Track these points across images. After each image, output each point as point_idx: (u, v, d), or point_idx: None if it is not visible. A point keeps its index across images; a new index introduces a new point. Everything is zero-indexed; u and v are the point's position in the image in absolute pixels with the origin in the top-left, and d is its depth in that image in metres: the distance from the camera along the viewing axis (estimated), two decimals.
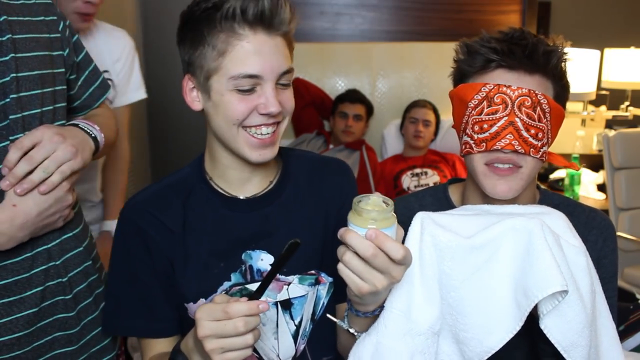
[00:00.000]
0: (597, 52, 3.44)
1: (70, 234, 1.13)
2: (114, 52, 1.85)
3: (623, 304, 1.76)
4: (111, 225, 1.88)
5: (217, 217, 1.06)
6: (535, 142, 1.02)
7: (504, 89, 1.02)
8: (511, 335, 0.92)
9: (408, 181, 2.99)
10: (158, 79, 3.62)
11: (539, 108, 1.02)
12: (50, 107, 1.09)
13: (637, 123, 3.79)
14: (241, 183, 1.07)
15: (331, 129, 3.18)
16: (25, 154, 0.98)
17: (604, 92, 3.77)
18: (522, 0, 3.52)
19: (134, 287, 1.06)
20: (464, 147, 1.08)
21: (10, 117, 1.01)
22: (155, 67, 3.58)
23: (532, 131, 1.02)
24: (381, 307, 0.95)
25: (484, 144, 1.03)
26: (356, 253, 0.83)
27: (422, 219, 0.98)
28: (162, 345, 1.07)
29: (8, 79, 1.00)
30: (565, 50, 1.06)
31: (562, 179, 3.28)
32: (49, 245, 1.08)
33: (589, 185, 3.29)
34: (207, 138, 1.07)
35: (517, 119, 1.01)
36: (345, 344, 1.08)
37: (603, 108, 3.75)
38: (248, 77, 0.95)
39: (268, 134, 0.99)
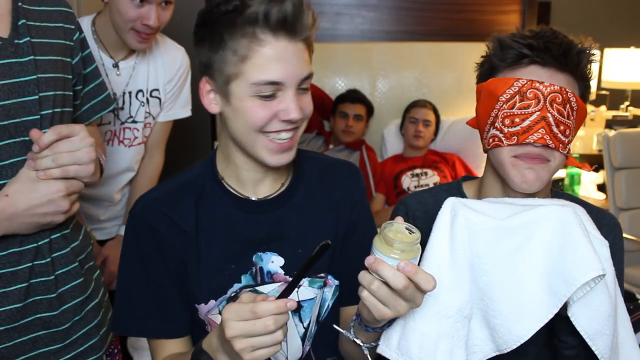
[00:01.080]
0: (597, 52, 3.44)
1: (59, 234, 1.13)
2: (168, 72, 1.84)
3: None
4: None
5: (229, 218, 1.05)
6: (563, 139, 1.04)
7: (537, 84, 1.03)
8: (541, 325, 0.92)
9: (408, 181, 2.99)
10: None
11: (568, 105, 1.04)
12: (59, 110, 1.10)
13: (637, 123, 3.79)
14: (254, 184, 1.07)
15: (331, 128, 3.17)
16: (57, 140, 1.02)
17: (604, 92, 3.78)
18: (522, 0, 3.52)
19: (146, 286, 1.05)
20: (491, 140, 1.08)
21: (28, 117, 1.04)
22: None
23: (562, 127, 1.04)
24: (389, 323, 0.95)
25: (515, 137, 1.04)
26: (384, 282, 0.83)
27: (453, 203, 1.00)
28: (173, 346, 1.06)
29: (26, 79, 1.03)
30: (594, 52, 1.08)
31: (562, 179, 3.28)
32: (39, 243, 1.08)
33: (589, 185, 3.29)
34: (219, 138, 1.07)
35: (549, 115, 1.03)
36: (349, 350, 1.08)
37: (603, 108, 3.75)
38: (269, 83, 0.94)
39: (287, 139, 0.99)
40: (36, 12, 1.09)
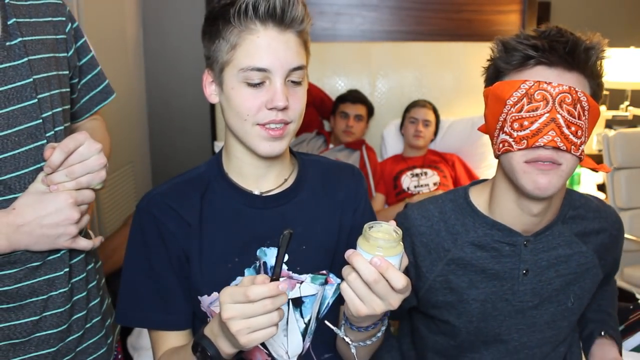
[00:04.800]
0: (606, 48, 3.43)
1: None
2: None
3: (623, 304, 1.76)
4: None
5: (234, 212, 1.07)
6: (575, 140, 1.01)
7: (545, 85, 1.00)
8: None
9: (408, 181, 2.99)
10: (158, 80, 3.62)
11: (579, 105, 1.01)
12: (59, 109, 1.08)
13: (637, 123, 3.79)
14: (256, 178, 1.09)
15: (332, 128, 3.17)
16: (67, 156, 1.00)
17: (603, 92, 3.77)
18: (522, 0, 3.52)
19: (150, 278, 1.07)
20: (501, 145, 1.06)
21: (31, 123, 1.02)
22: (155, 68, 3.58)
23: (573, 128, 1.00)
24: (375, 323, 0.97)
25: (525, 141, 1.01)
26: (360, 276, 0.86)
27: None
28: (174, 338, 1.08)
29: (22, 83, 1.00)
30: (604, 47, 1.05)
31: None
32: (61, 253, 1.07)
33: (589, 185, 3.29)
34: (225, 135, 1.10)
35: (558, 116, 0.99)
36: (343, 349, 1.10)
37: (603, 108, 3.75)
38: (257, 70, 0.97)
39: (277, 128, 1.01)
40: (24, 8, 1.05)
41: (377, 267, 0.85)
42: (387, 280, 0.86)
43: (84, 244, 1.06)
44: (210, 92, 1.06)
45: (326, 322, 1.02)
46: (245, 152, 1.06)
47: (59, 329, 1.09)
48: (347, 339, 1.00)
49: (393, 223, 0.91)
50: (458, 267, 1.16)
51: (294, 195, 1.10)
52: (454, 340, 1.21)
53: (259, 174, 1.09)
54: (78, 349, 1.13)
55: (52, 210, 1.00)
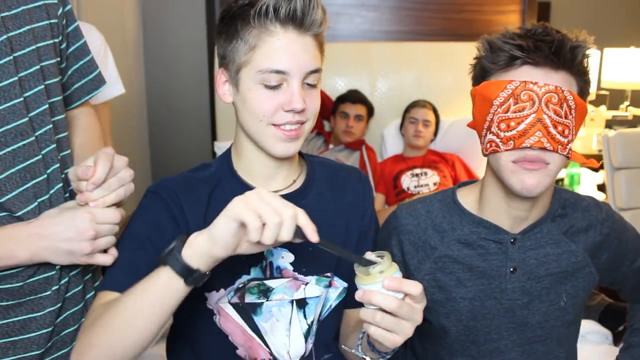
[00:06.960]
0: (597, 52, 3.44)
1: None
2: None
3: (623, 303, 1.76)
4: None
5: None
6: (562, 139, 1.01)
7: (531, 85, 1.00)
8: None
9: (408, 181, 2.99)
10: (158, 80, 3.62)
11: (565, 105, 1.01)
12: (46, 106, 1.06)
13: (637, 123, 3.80)
14: (265, 178, 1.09)
15: (332, 128, 3.18)
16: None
17: (603, 92, 3.78)
18: (522, 0, 3.52)
19: (142, 250, 1.02)
20: (488, 145, 1.06)
21: (20, 121, 1.00)
22: (155, 68, 3.58)
23: (560, 128, 1.01)
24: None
25: (512, 142, 1.02)
26: (383, 310, 0.86)
27: None
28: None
29: (8, 81, 0.99)
30: (590, 45, 1.05)
31: (561, 179, 3.29)
32: None
33: (589, 185, 3.29)
34: (235, 133, 1.09)
35: (545, 116, 1.00)
36: (350, 357, 1.09)
37: (603, 108, 3.75)
38: (275, 72, 0.97)
39: (293, 129, 1.02)
40: None
41: (391, 288, 0.85)
42: (405, 294, 0.86)
43: (102, 259, 1.03)
44: (224, 91, 1.05)
45: (344, 346, 1.01)
46: (256, 151, 1.06)
47: (55, 324, 1.09)
48: (367, 358, 1.00)
49: (369, 253, 0.92)
50: (445, 264, 1.17)
51: (302, 197, 1.10)
52: (445, 342, 1.21)
53: (268, 174, 1.09)
54: (75, 343, 1.13)
55: (67, 224, 0.99)
